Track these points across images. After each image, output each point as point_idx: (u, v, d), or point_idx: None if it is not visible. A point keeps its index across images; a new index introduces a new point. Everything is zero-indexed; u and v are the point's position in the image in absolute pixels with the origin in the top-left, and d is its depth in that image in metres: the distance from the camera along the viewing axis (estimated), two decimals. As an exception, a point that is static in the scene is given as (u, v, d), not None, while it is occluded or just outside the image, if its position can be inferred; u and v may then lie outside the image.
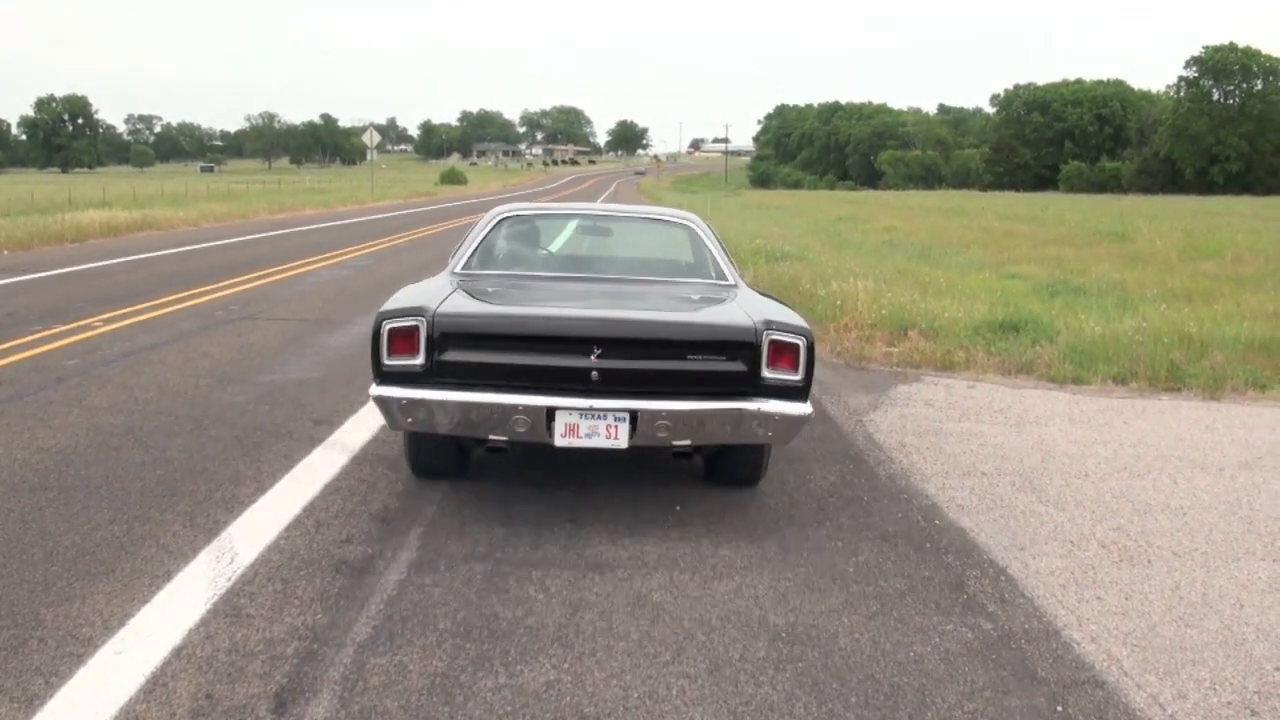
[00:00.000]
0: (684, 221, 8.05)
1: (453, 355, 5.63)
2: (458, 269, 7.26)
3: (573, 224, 8.82)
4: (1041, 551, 5.73)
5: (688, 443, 5.73)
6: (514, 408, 5.48)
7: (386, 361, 5.66)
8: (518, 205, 8.20)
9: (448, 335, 5.64)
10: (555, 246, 8.40)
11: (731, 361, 5.72)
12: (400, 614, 4.67)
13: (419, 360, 5.61)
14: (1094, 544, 5.86)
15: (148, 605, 4.69)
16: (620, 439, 5.55)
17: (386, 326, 5.65)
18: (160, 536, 5.54)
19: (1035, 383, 10.45)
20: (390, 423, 5.75)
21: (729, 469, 6.59)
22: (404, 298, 6.18)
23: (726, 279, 7.18)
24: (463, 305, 6.12)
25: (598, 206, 9.35)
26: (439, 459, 6.47)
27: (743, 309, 6.20)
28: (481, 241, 7.57)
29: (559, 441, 5.55)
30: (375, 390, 5.64)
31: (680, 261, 7.64)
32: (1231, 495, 6.83)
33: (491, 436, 5.67)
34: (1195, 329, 11.81)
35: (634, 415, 5.51)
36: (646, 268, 7.58)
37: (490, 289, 6.92)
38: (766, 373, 5.68)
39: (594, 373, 5.55)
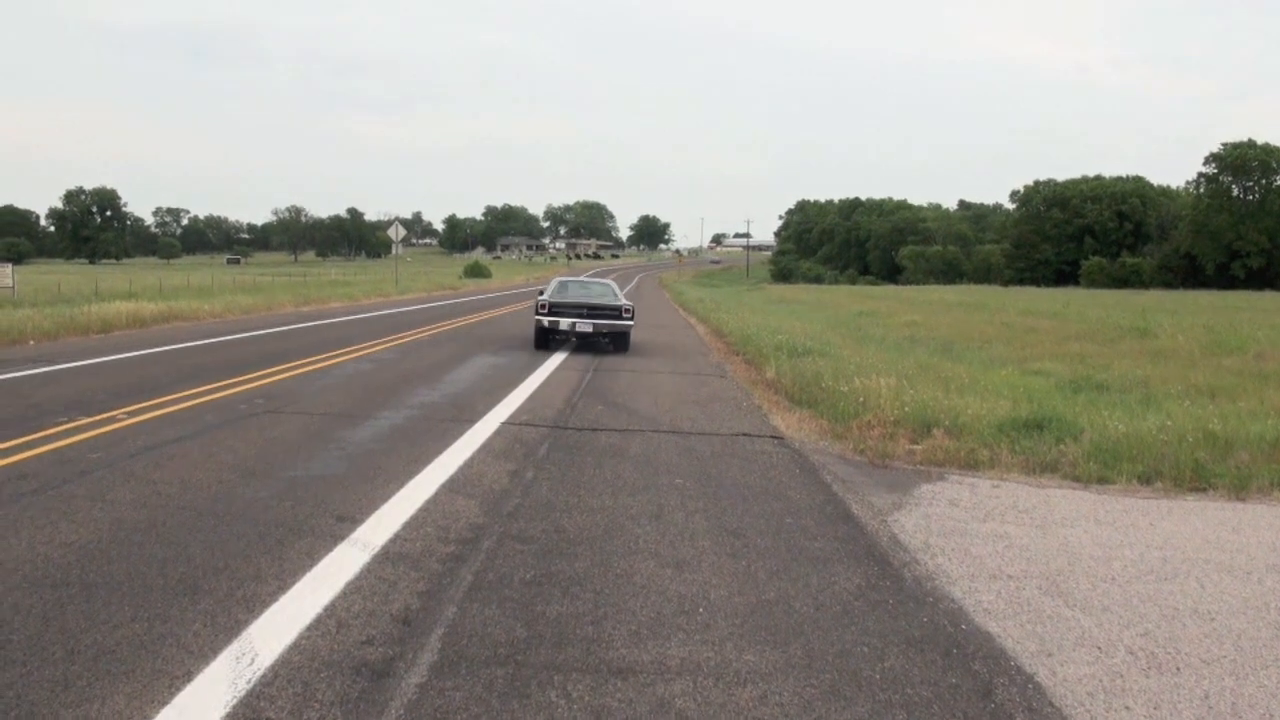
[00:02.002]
0: (609, 283, 29.22)
1: (548, 307, 24.72)
2: (546, 288, 27.16)
3: (578, 279, 30.30)
4: (1069, 658, 5.65)
5: (605, 334, 24.70)
6: (566, 321, 24.46)
7: (538, 307, 24.89)
8: (563, 275, 33.79)
9: (545, 304, 24.91)
10: (571, 284, 28.35)
11: (616, 310, 24.85)
12: None
13: (544, 306, 24.74)
14: (1122, 650, 5.78)
15: (167, 707, 4.66)
16: (590, 330, 24.40)
17: (538, 300, 25.28)
18: (181, 635, 5.52)
19: (1060, 482, 10.38)
20: (536, 324, 24.97)
21: (619, 344, 25.13)
22: (542, 293, 26.18)
23: (620, 299, 26.50)
24: (549, 296, 25.53)
25: (585, 277, 35.38)
26: (542, 340, 25.08)
27: (623, 301, 25.94)
28: (552, 283, 27.95)
29: (578, 329, 24.44)
30: (536, 317, 24.93)
31: (608, 293, 27.32)
32: (1260, 600, 6.74)
33: (558, 333, 24.85)
34: (1219, 427, 11.75)
35: (594, 325, 24.45)
36: (597, 294, 26.87)
37: (555, 295, 26.07)
38: (624, 312, 24.88)
39: (585, 312, 24.68)
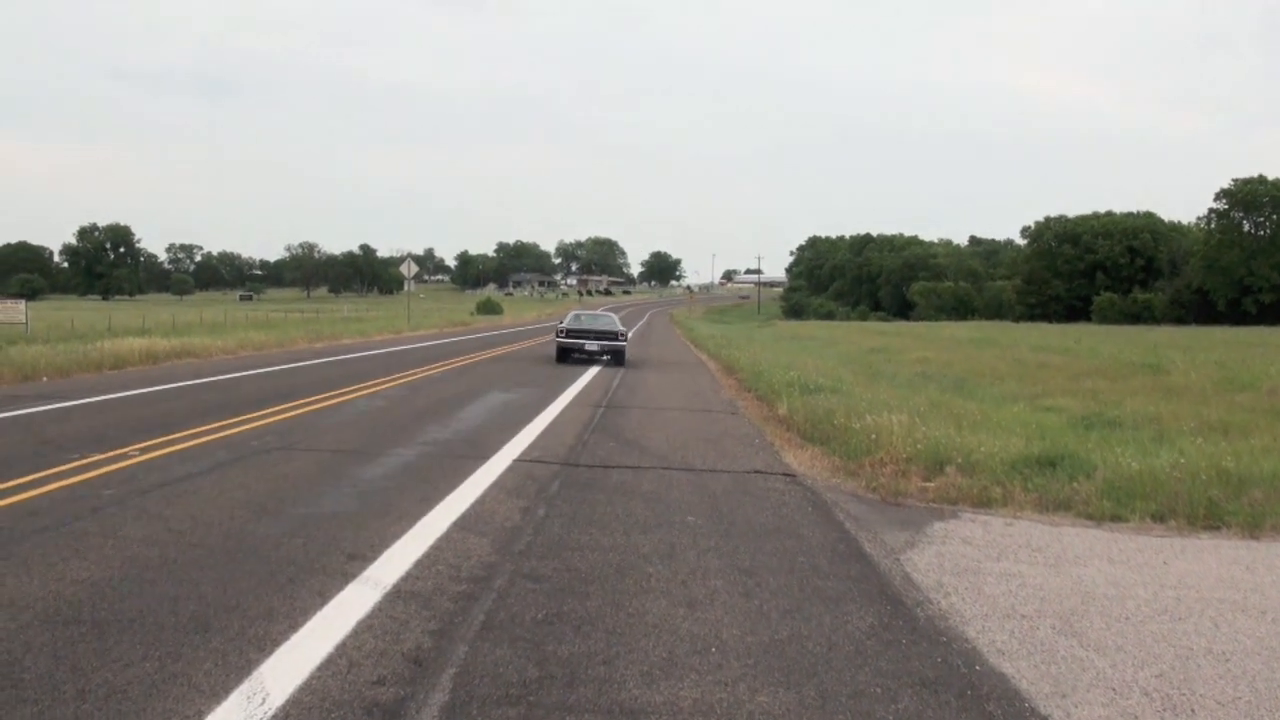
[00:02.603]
0: (611, 315, 39.01)
1: (565, 332, 34.19)
2: (564, 318, 37.61)
3: (589, 313, 40.36)
4: (1084, 699, 5.61)
5: (606, 352, 33.53)
6: (577, 343, 33.75)
7: (558, 332, 34.66)
8: (575, 309, 46.65)
9: (563, 330, 34.55)
10: (583, 316, 37.91)
11: (614, 335, 34.06)
12: (432, 759, 4.61)
13: (563, 332, 34.26)
14: (1136, 691, 5.74)
15: (178, 747, 4.65)
16: (596, 349, 33.50)
17: (558, 328, 35.37)
18: (192, 675, 5.51)
19: (1073, 520, 10.33)
20: (557, 345, 34.13)
21: (617, 359, 33.41)
22: (561, 323, 36.19)
23: (618, 327, 35.34)
24: (566, 325, 35.22)
25: (594, 310, 49.91)
26: (561, 356, 33.72)
27: (619, 329, 35.12)
28: (568, 315, 37.60)
29: (586, 348, 33.52)
30: (555, 338, 34.56)
31: (610, 323, 35.86)
32: (1275, 640, 6.69)
33: (574, 351, 33.69)
34: (1232, 464, 11.69)
35: (599, 345, 33.53)
36: (602, 324, 35.72)
37: (571, 324, 35.36)
38: (619, 336, 34.20)
39: (591, 336, 33.96)
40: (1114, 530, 9.94)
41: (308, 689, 5.36)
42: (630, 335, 35.43)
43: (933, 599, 7.44)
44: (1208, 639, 6.68)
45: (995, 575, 8.14)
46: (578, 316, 37.17)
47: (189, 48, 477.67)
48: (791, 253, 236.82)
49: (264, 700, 5.19)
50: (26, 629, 6.14)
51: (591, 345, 33.74)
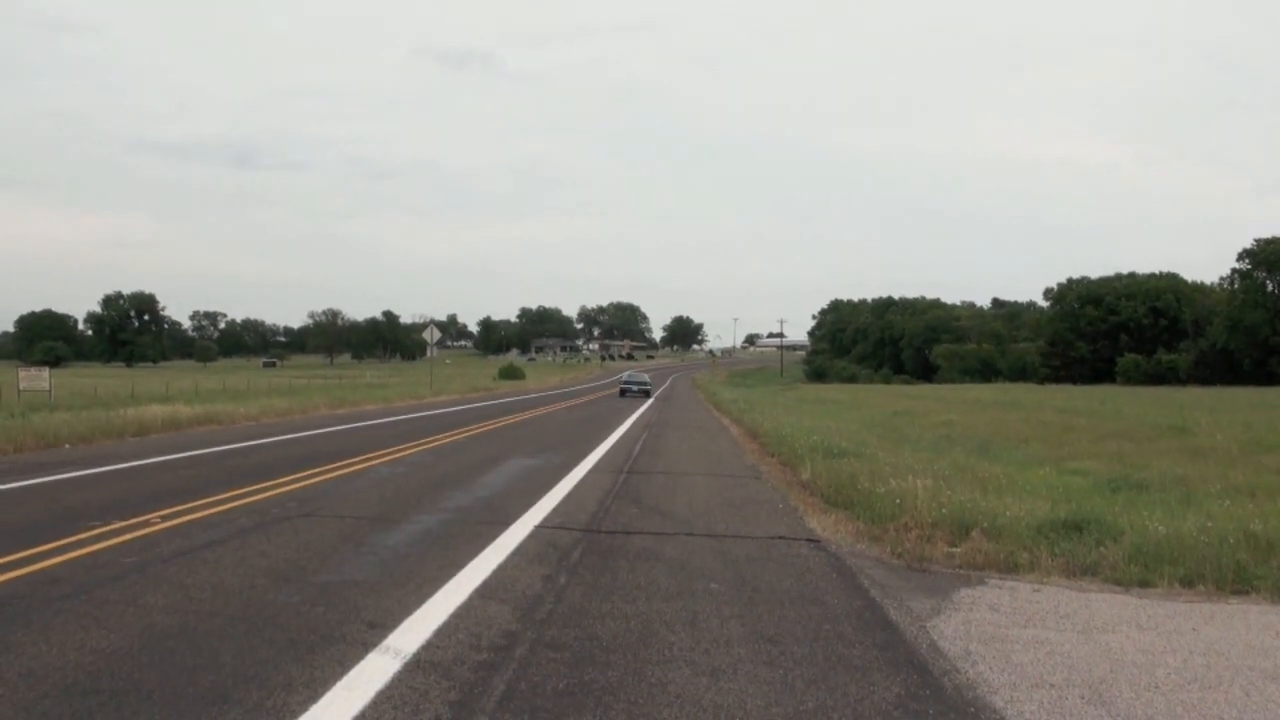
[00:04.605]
0: (645, 374, 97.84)
1: (624, 381, 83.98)
2: (623, 375, 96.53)
3: (632, 373, 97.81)
4: (1116, 770, 5.49)
5: (641, 391, 77.80)
6: (629, 386, 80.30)
7: (621, 384, 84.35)
8: (627, 369, 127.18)
9: (621, 381, 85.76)
10: (627, 374, 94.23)
11: (646, 384, 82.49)
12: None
13: (622, 382, 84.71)
14: (1171, 762, 5.61)
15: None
16: (634, 389, 78.39)
17: (620, 381, 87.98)
18: (210, 747, 5.46)
19: (1100, 585, 10.20)
20: (621, 387, 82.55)
21: (646, 394, 76.97)
22: (621, 378, 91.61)
23: (648, 380, 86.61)
24: (624, 378, 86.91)
25: (636, 368, 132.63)
26: (622, 394, 77.14)
27: (649, 381, 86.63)
28: (623, 374, 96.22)
29: (634, 390, 78.60)
30: (621, 384, 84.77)
31: (644, 379, 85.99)
32: (1310, 709, 6.55)
33: (627, 392, 78.30)
34: (1260, 527, 11.53)
35: (639, 387, 79.12)
36: (640, 380, 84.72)
37: (626, 377, 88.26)
38: (648, 384, 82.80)
39: (635, 385, 79.86)
40: (1142, 596, 9.80)
41: (326, 761, 5.30)
42: (652, 387, 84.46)
43: (960, 668, 7.33)
44: (1238, 708, 6.55)
45: (1023, 643, 8.02)
46: (630, 373, 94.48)
47: (216, 117, 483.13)
48: (814, 316, 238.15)
49: (282, 773, 5.14)
50: (45, 699, 6.11)
51: (630, 388, 79.02)
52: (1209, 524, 11.67)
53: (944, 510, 13.00)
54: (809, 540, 12.72)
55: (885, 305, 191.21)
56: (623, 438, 29.99)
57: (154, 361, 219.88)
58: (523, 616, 8.43)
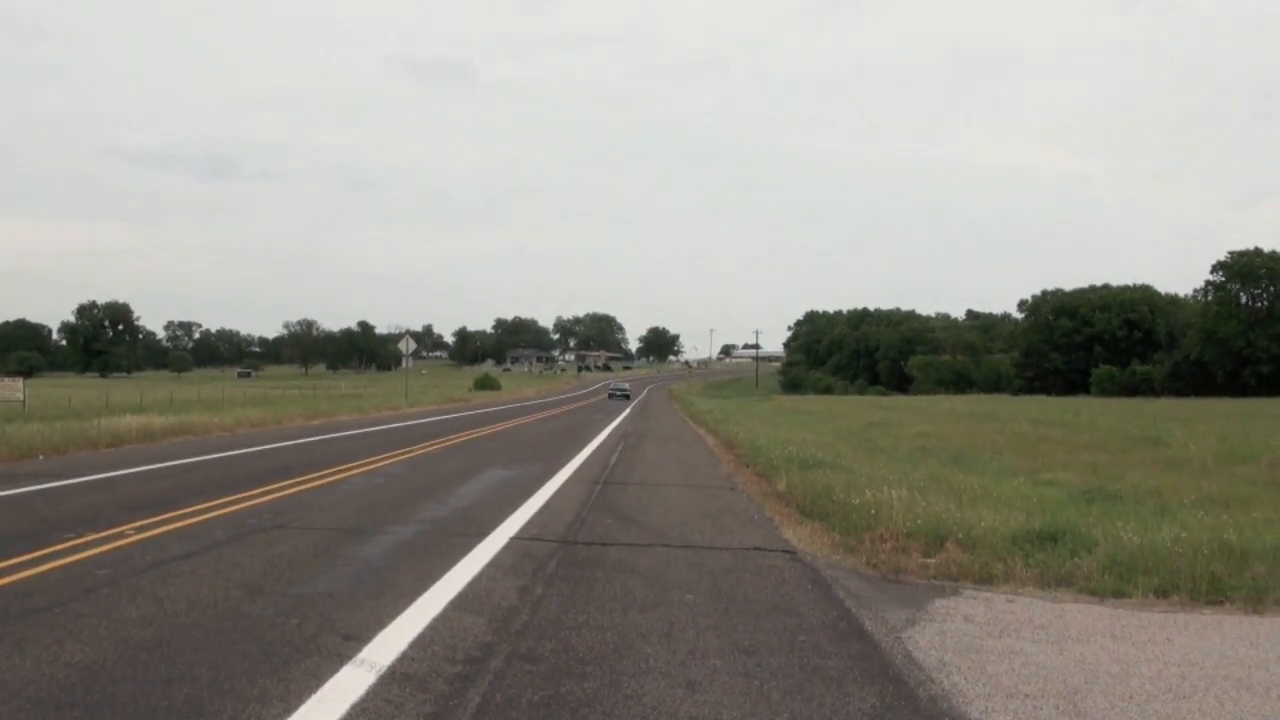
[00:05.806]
0: (627, 383, 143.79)
1: (612, 386, 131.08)
2: (611, 382, 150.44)
3: (616, 381, 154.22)
4: (1090, 780, 5.52)
5: (625, 397, 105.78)
6: (614, 391, 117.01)
7: (611, 387, 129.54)
8: (611, 378, 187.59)
9: (610, 386, 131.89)
10: (613, 382, 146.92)
11: (627, 390, 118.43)
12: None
13: (611, 386, 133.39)
14: (1145, 772, 5.65)
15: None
16: (620, 394, 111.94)
17: (607, 390, 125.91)
18: (184, 760, 5.43)
19: (1075, 596, 10.25)
20: (609, 391, 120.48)
21: (627, 399, 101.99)
22: (609, 384, 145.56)
23: (628, 388, 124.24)
24: (612, 385, 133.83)
25: (615, 378, 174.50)
26: (610, 397, 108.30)
27: (629, 389, 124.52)
28: (611, 382, 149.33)
29: (616, 395, 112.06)
30: (609, 388, 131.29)
31: (627, 386, 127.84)
32: (1279, 717, 6.60)
33: (612, 397, 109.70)
34: (1234, 537, 11.60)
35: (620, 391, 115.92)
36: (623, 388, 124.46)
37: (613, 384, 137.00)
38: (629, 391, 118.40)
39: (619, 389, 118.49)
40: (1116, 606, 9.85)
41: (301, 774, 5.27)
42: (631, 392, 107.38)
43: (935, 678, 7.35)
44: (1212, 718, 6.59)
45: (998, 653, 8.06)
46: (614, 381, 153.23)
47: (190, 126, 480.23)
48: (789, 327, 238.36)
49: (256, 786, 5.12)
50: (18, 713, 6.07)
51: (618, 392, 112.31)
52: (1183, 534, 11.74)
53: (919, 521, 13.05)
54: (785, 551, 12.75)
55: (860, 317, 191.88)
56: (599, 448, 29.99)
57: (128, 372, 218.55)
58: (498, 628, 8.42)
